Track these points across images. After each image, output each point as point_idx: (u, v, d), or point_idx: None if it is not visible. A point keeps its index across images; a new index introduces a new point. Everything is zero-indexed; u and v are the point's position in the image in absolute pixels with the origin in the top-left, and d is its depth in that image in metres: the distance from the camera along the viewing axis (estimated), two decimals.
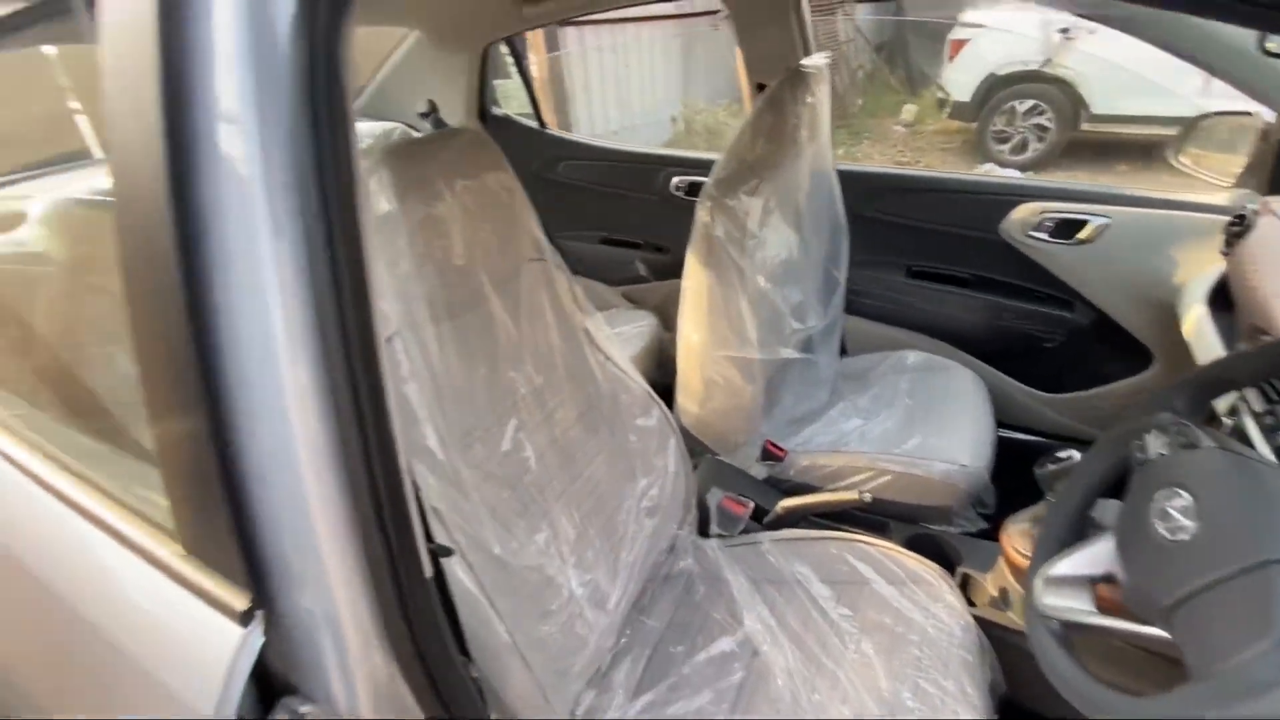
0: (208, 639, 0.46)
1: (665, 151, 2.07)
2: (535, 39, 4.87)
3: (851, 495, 1.14)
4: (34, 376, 0.87)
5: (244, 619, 0.45)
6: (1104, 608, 0.67)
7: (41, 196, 1.21)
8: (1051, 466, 0.99)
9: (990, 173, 5.60)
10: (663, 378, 1.83)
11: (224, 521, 0.45)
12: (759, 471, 1.35)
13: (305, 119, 0.39)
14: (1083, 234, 1.41)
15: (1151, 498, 0.63)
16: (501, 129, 2.01)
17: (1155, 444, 0.67)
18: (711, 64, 6.66)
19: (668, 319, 2.07)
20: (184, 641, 0.48)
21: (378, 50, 1.96)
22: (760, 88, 1.52)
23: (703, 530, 1.22)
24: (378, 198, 0.65)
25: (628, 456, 1.09)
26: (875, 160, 6.57)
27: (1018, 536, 1.07)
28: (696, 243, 1.21)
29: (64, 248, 1.14)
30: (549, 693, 0.80)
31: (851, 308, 1.58)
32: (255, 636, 0.45)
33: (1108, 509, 0.81)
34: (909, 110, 7.07)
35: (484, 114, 1.98)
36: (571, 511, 0.96)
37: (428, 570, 0.48)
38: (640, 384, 1.12)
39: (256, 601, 0.46)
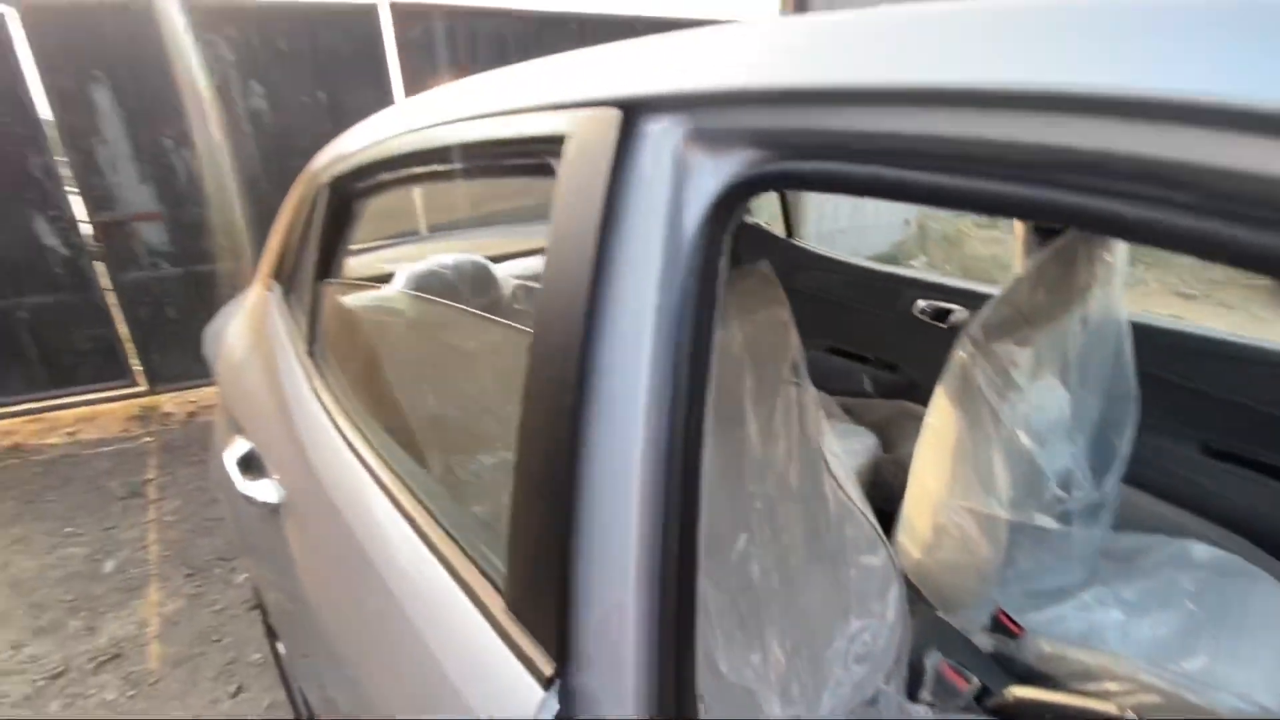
0: (514, 693, 0.56)
1: (912, 273, 2.04)
2: None
3: (1109, 708, 0.97)
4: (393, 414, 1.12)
5: (547, 684, 0.54)
6: None
7: (402, 264, 1.58)
8: None
9: None
10: (878, 503, 1.74)
11: (550, 595, 0.54)
12: (984, 643, 1.22)
13: (690, 305, 0.49)
14: None
15: None
16: (750, 236, 2.16)
17: None
18: None
19: (887, 440, 1.99)
20: (495, 687, 0.58)
21: None
22: (1038, 229, 1.45)
23: (910, 692, 1.12)
24: None
25: (844, 593, 1.06)
26: (1150, 285, 5.71)
27: None
28: (950, 383, 1.18)
29: (413, 308, 1.46)
30: None
31: (1128, 476, 1.38)
32: (553, 703, 0.54)
33: None
34: None
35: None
36: (784, 639, 0.96)
37: (700, 688, 0.53)
38: (870, 519, 1.09)
39: (559, 672, 0.54)
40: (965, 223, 5.85)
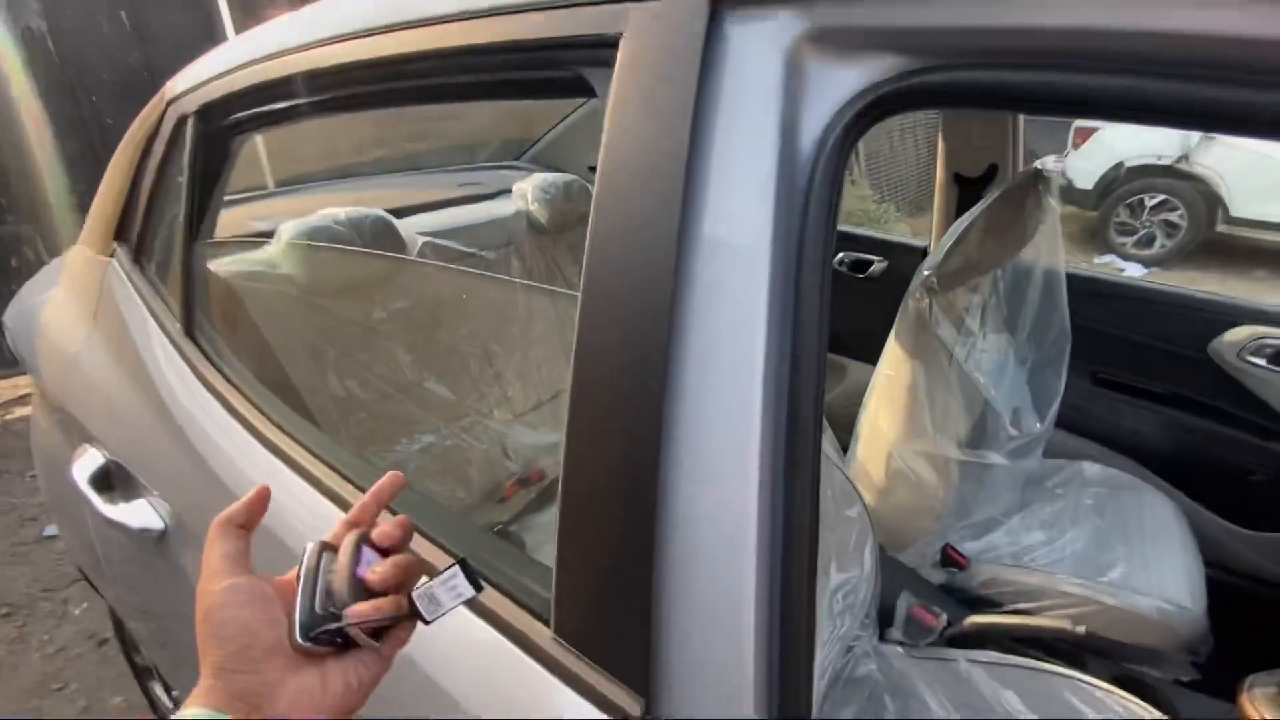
0: None
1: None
2: None
3: (1062, 624, 1.06)
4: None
5: None
6: None
7: (288, 223, 1.31)
8: None
9: (1111, 264, 5.37)
10: None
11: (633, 620, 0.44)
12: (934, 577, 1.28)
13: (815, 250, 0.40)
14: None
15: None
16: None
17: None
18: None
19: None
20: None
21: (557, 106, 2.07)
22: (958, 178, 1.51)
23: (879, 634, 1.16)
24: None
25: (826, 548, 1.05)
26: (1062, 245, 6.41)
27: (1264, 702, 0.96)
28: (904, 332, 1.19)
29: (304, 272, 1.22)
30: None
31: None
32: None
33: None
34: None
35: None
36: None
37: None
38: (844, 472, 1.09)
39: (649, 708, 0.45)
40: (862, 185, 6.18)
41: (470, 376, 1.29)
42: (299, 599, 0.38)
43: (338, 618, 0.38)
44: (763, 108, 0.40)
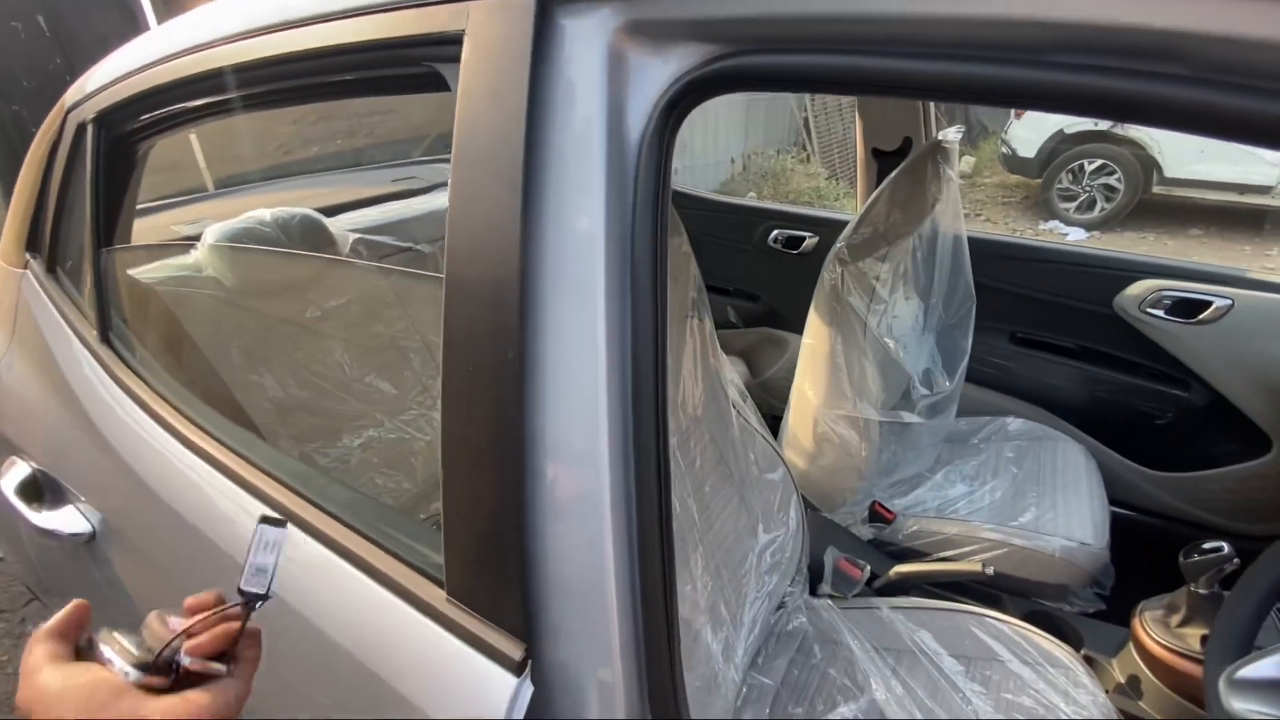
0: (480, 685, 0.49)
1: (766, 204, 2.12)
2: None
3: (973, 567, 1.13)
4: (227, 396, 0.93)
5: (519, 668, 0.48)
6: None
7: (214, 225, 1.30)
8: (1198, 558, 0.97)
9: (1055, 229, 5.55)
10: None
11: (511, 574, 0.48)
12: (863, 532, 1.35)
13: (646, 227, 0.44)
14: (1204, 314, 1.40)
15: None
16: None
17: None
18: (771, 111, 6.78)
19: (754, 365, 2.10)
20: (453, 685, 0.51)
21: None
22: (876, 152, 1.56)
23: (811, 588, 1.22)
24: None
25: (752, 511, 1.11)
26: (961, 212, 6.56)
27: (1153, 625, 1.05)
28: (821, 302, 1.24)
29: (231, 273, 1.22)
30: None
31: None
32: (527, 686, 0.48)
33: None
34: (967, 162, 7.08)
35: None
36: (708, 563, 0.98)
37: (681, 640, 0.51)
38: (767, 438, 1.14)
39: (530, 652, 0.49)
40: (787, 159, 6.25)
41: (412, 369, 1.31)
42: (122, 646, 0.38)
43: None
44: (591, 97, 0.44)
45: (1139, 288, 1.47)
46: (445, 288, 0.48)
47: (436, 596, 0.53)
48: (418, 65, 0.52)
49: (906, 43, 0.37)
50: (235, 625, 0.40)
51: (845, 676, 1.04)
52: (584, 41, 0.44)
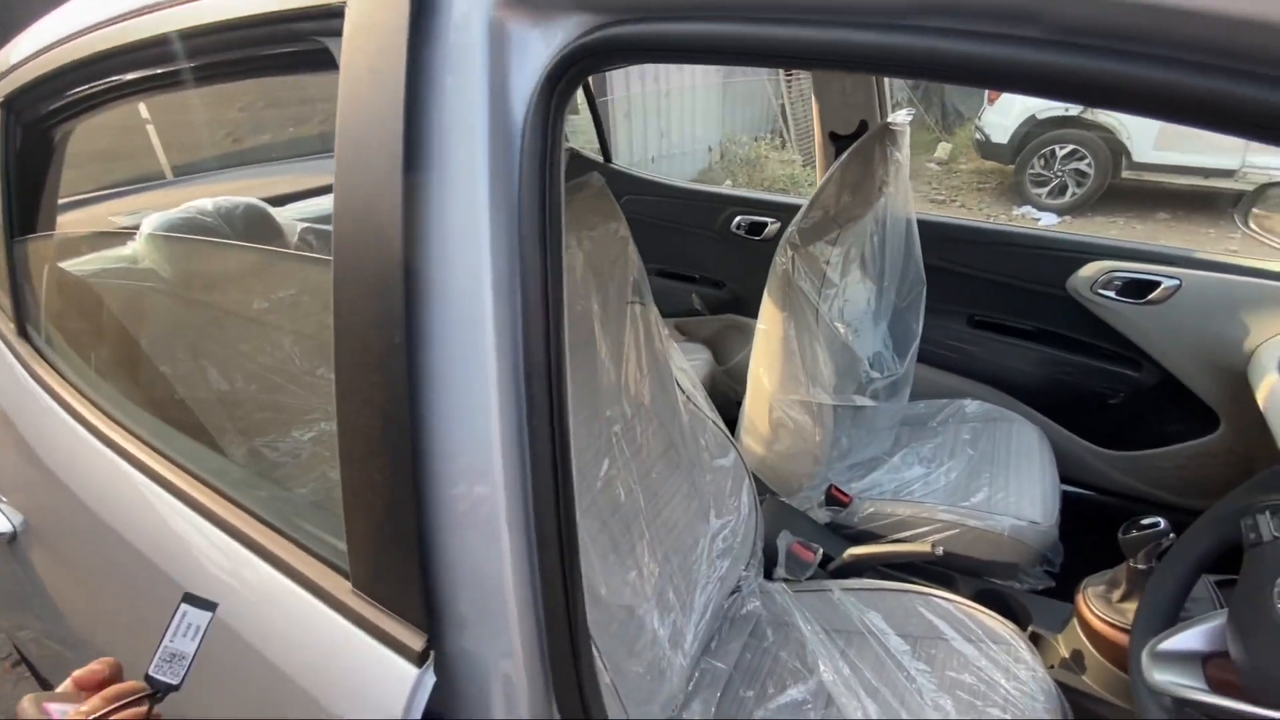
0: (381, 676, 0.48)
1: (728, 190, 2.11)
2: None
3: (923, 548, 1.14)
4: (156, 391, 0.91)
5: (420, 658, 0.47)
6: (1216, 686, 0.67)
7: (150, 215, 1.27)
8: (1136, 533, 0.99)
9: (1028, 214, 5.60)
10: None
11: (409, 565, 0.47)
12: (821, 516, 1.36)
13: (533, 205, 0.42)
14: (1153, 295, 1.42)
15: (1270, 582, 0.63)
16: (568, 163, 2.07)
17: (1269, 526, 0.68)
18: (748, 97, 6.77)
19: (720, 352, 2.10)
20: (355, 677, 0.50)
21: None
22: (833, 136, 1.56)
23: (766, 572, 1.23)
24: None
25: (703, 497, 1.11)
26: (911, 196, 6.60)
27: (1095, 600, 1.07)
28: (774, 288, 1.24)
29: (177, 263, 1.19)
30: None
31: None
32: (429, 676, 0.47)
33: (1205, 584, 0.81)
34: (943, 148, 7.11)
35: None
36: (655, 550, 0.97)
37: (589, 624, 0.50)
38: (718, 424, 1.14)
39: (431, 642, 0.48)
40: (763, 146, 6.24)
41: None
42: None
43: None
44: (472, 72, 0.42)
45: (1091, 269, 1.48)
46: (334, 273, 0.46)
47: (341, 588, 0.52)
48: (307, 41, 0.50)
49: (778, 9, 0.36)
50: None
51: (796, 659, 1.04)
52: (464, 14, 0.42)
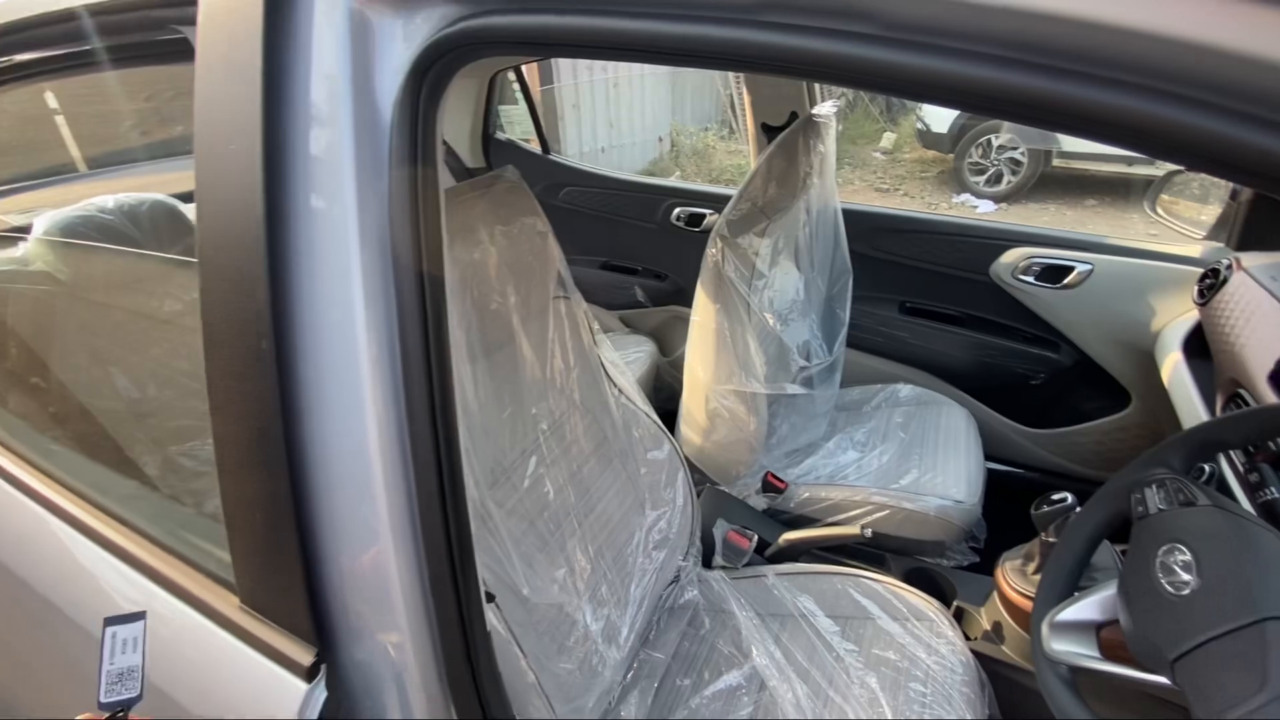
0: (269, 693, 0.47)
1: (667, 182, 2.12)
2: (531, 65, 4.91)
3: (853, 530, 1.17)
4: (41, 400, 0.85)
5: (309, 674, 0.46)
6: (1108, 652, 0.71)
7: (43, 213, 1.19)
8: (1046, 508, 1.03)
9: (966, 203, 5.79)
10: (660, 403, 1.86)
11: (293, 578, 0.46)
12: (759, 503, 1.38)
13: (403, 203, 0.41)
14: (1068, 279, 1.48)
15: (1154, 551, 0.67)
16: (505, 154, 2.03)
17: (1155, 499, 0.72)
18: (698, 88, 6.78)
19: (664, 344, 2.10)
20: (243, 696, 0.48)
21: None
22: (765, 127, 1.57)
23: (706, 561, 1.24)
24: None
25: (638, 489, 1.11)
26: (855, 185, 6.75)
27: (1012, 574, 1.12)
28: (706, 280, 1.25)
29: (66, 266, 1.12)
30: None
31: (847, 340, 1.64)
32: (320, 691, 0.46)
33: (1100, 553, 0.86)
34: (888, 139, 7.28)
35: (487, 138, 2.00)
36: (586, 546, 0.97)
37: (490, 623, 0.50)
38: (652, 417, 1.14)
39: (321, 655, 0.46)
40: (710, 137, 6.27)
41: None
42: None
43: None
44: (333, 64, 0.41)
45: (1012, 255, 1.54)
46: (200, 279, 0.44)
47: (230, 604, 0.50)
48: (166, 30, 0.47)
49: (634, 3, 0.35)
50: None
51: (731, 645, 1.06)
52: (323, 3, 0.40)
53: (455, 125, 1.91)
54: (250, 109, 0.40)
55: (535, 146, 2.13)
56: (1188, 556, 0.64)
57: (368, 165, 0.41)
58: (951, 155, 6.08)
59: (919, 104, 6.50)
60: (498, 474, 0.84)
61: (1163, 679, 0.63)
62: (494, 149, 2.01)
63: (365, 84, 0.41)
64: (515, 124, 2.25)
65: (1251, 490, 0.82)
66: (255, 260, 0.41)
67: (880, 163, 7.07)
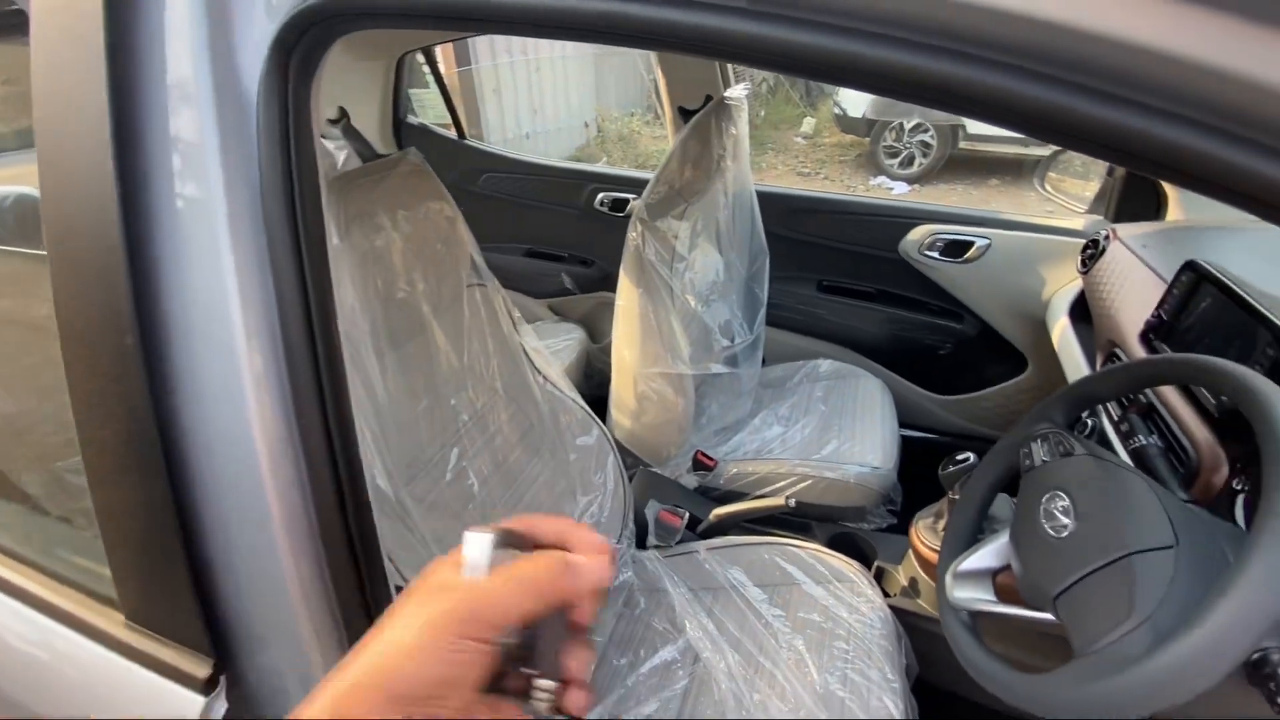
0: (163, 711, 0.44)
1: (589, 167, 2.09)
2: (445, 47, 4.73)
3: (777, 501, 1.21)
4: None
5: (206, 687, 0.44)
6: (1003, 596, 0.77)
7: None
8: (952, 468, 1.10)
9: (882, 185, 6.04)
10: (592, 389, 1.86)
11: (183, 588, 0.43)
12: (690, 481, 1.41)
13: (276, 187, 0.39)
14: (969, 254, 1.58)
15: (1038, 500, 0.73)
16: (417, 139, 1.96)
17: (1039, 451, 0.78)
18: (623, 72, 6.74)
19: (594, 331, 2.10)
20: (135, 715, 0.45)
21: None
22: (682, 111, 1.58)
23: (640, 542, 1.26)
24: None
25: (568, 476, 1.11)
26: (778, 169, 6.91)
27: (924, 531, 1.19)
28: (628, 264, 1.25)
29: None
30: None
31: (769, 319, 1.68)
32: (220, 703, 0.44)
33: (1002, 505, 0.92)
34: (808, 123, 7.48)
35: (398, 123, 1.92)
36: None
37: None
38: (579, 403, 1.14)
39: (219, 667, 0.44)
40: (635, 123, 6.26)
41: None
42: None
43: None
44: (188, 39, 0.38)
45: (917, 233, 1.62)
46: (51, 270, 0.41)
47: (114, 622, 0.47)
48: (5, 3, 0.42)
49: None
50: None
51: (666, 622, 1.08)
52: None
53: (363, 110, 1.82)
54: (95, 86, 0.37)
55: (452, 132, 2.07)
56: (1066, 502, 0.70)
57: (233, 145, 0.39)
58: (868, 139, 6.32)
59: (836, 88, 6.71)
60: (415, 468, 0.82)
61: (1048, 615, 0.69)
62: (406, 134, 1.93)
63: (227, 58, 0.38)
64: (429, 108, 2.17)
65: (1124, 439, 0.90)
66: (111, 250, 0.38)
67: (801, 148, 7.26)
